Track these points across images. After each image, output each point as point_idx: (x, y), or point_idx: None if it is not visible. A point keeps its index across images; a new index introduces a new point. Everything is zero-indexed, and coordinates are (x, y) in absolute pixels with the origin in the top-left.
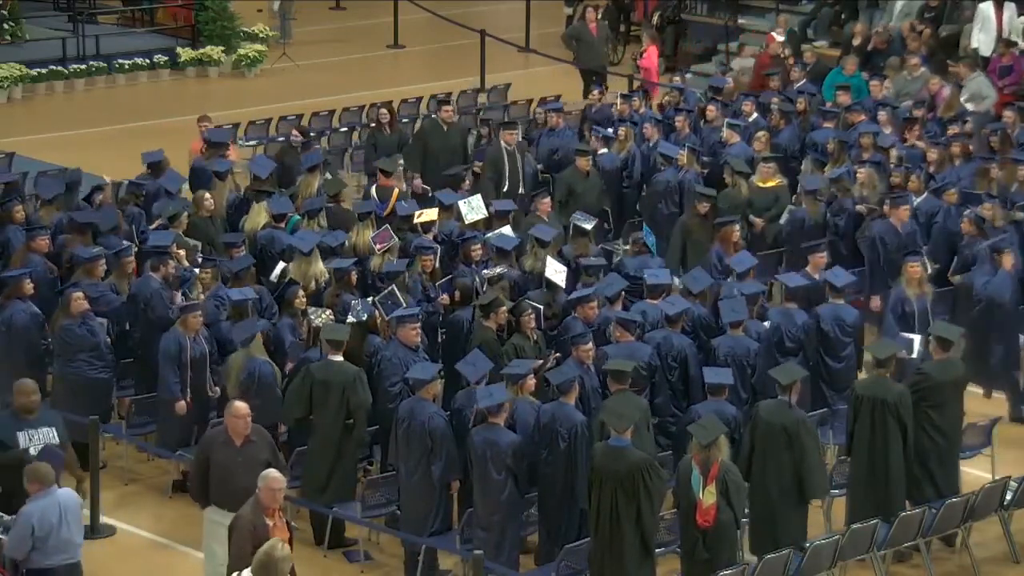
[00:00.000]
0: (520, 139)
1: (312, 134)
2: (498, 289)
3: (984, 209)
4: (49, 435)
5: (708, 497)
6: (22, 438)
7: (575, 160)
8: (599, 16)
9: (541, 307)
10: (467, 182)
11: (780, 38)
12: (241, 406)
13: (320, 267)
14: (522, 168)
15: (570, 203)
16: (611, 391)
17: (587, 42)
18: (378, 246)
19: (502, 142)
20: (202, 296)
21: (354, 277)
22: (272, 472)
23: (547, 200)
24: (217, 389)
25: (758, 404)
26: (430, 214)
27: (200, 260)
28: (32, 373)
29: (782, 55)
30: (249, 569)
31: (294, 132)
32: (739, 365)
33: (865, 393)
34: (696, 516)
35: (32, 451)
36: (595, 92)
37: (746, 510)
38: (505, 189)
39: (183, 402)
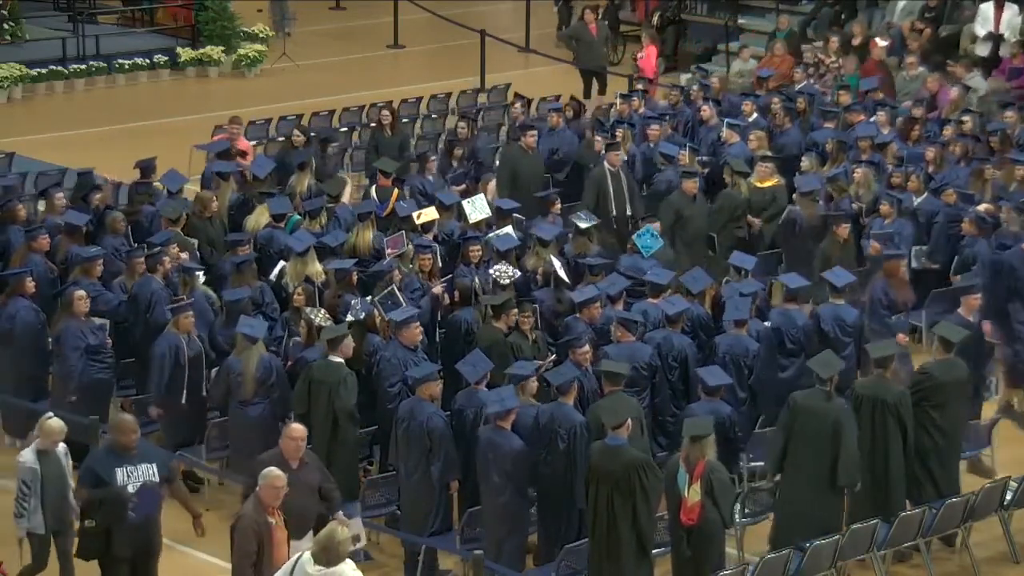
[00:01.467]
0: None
1: (312, 134)
2: (510, 290)
3: (988, 210)
4: (148, 472)
5: (693, 495)
6: (120, 474)
7: (681, 184)
8: (599, 16)
9: (536, 307)
10: (557, 205)
11: (883, 43)
12: (298, 428)
13: (317, 267)
14: (628, 189)
15: (677, 227)
16: (605, 392)
17: (587, 42)
18: (390, 251)
19: (606, 164)
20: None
21: (354, 278)
22: (272, 470)
23: (656, 225)
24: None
25: (793, 395)
26: (430, 214)
27: (187, 263)
28: (34, 372)
29: (884, 61)
30: (308, 552)
31: (295, 132)
32: (736, 364)
33: (865, 393)
34: (681, 514)
35: (130, 488)
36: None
37: (740, 509)
38: (613, 213)
39: (157, 409)
